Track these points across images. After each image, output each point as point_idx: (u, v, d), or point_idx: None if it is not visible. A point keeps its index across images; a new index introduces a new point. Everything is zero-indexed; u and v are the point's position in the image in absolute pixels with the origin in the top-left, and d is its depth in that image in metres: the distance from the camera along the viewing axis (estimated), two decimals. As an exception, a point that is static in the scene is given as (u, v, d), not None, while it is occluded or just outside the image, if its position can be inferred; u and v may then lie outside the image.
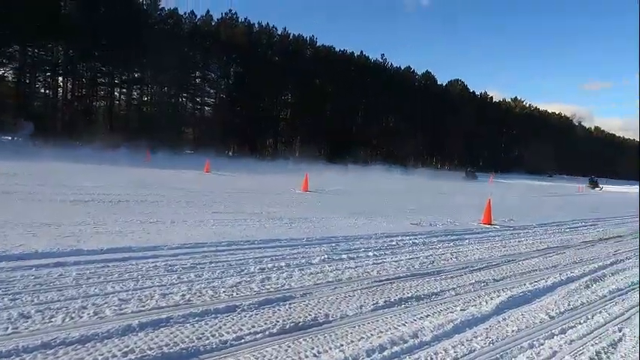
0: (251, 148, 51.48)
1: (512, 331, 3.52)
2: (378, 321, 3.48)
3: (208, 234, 6.07)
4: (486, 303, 4.13)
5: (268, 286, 4.06)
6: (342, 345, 2.98)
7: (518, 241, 7.85)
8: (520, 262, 6.12)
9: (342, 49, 61.59)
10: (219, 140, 44.65)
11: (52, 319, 2.95)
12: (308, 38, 58.45)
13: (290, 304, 3.68)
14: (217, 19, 52.00)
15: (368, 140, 62.78)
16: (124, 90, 47.03)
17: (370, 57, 64.75)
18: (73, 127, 36.75)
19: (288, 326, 3.19)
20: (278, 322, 3.25)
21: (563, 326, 3.71)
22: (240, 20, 53.33)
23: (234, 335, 2.96)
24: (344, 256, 5.48)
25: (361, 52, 63.76)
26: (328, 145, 52.33)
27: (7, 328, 2.77)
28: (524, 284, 4.92)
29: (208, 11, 51.21)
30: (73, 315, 3.05)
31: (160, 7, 46.83)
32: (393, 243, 6.60)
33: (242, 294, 3.80)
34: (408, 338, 3.14)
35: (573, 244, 8.05)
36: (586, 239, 8.82)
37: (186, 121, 50.50)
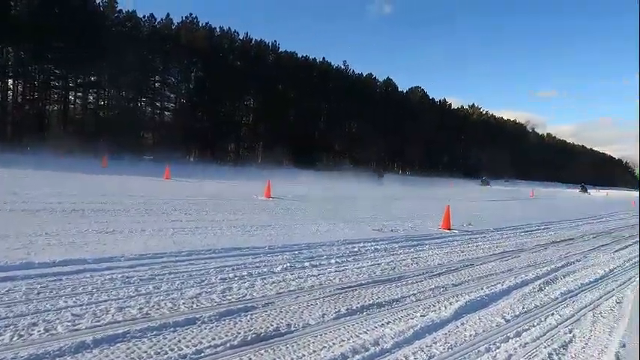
0: (213, 153, 50.89)
1: (470, 335, 3.61)
2: (340, 329, 3.49)
3: (168, 243, 5.92)
4: (445, 308, 4.22)
5: (230, 297, 4.00)
6: (303, 355, 2.97)
7: (476, 246, 8.07)
8: (477, 267, 6.30)
9: (304, 55, 62.09)
10: (180, 145, 43.82)
11: (-1, 338, 2.80)
12: (270, 44, 58.57)
13: (252, 314, 3.64)
14: (177, 23, 51.26)
15: (330, 146, 63.33)
16: (80, 94, 45.51)
17: (332, 63, 65.50)
18: (24, 132, 35.23)
19: (249, 337, 3.15)
20: (239, 333, 3.21)
21: (518, 329, 3.84)
22: (200, 24, 52.72)
23: (193, 349, 2.89)
24: (306, 264, 5.48)
25: (323, 58, 64.46)
26: (291, 150, 52.30)
27: (-51, 349, 2.61)
28: (482, 288, 5.06)
29: (168, 14, 50.27)
30: (22, 332, 2.91)
31: (118, 9, 45.69)
32: (355, 249, 6.65)
33: (202, 305, 3.73)
34: (369, 346, 3.16)
35: (528, 248, 8.35)
36: (540, 242, 9.17)
37: (146, 125, 49.32)
